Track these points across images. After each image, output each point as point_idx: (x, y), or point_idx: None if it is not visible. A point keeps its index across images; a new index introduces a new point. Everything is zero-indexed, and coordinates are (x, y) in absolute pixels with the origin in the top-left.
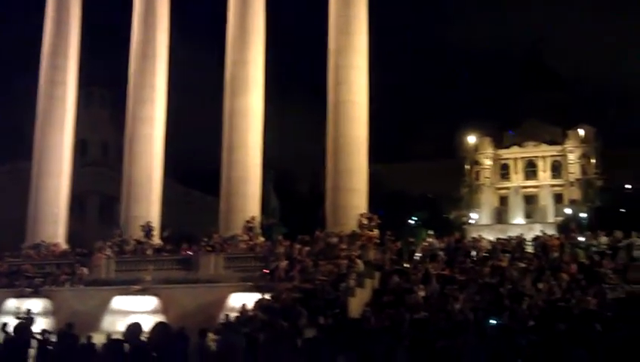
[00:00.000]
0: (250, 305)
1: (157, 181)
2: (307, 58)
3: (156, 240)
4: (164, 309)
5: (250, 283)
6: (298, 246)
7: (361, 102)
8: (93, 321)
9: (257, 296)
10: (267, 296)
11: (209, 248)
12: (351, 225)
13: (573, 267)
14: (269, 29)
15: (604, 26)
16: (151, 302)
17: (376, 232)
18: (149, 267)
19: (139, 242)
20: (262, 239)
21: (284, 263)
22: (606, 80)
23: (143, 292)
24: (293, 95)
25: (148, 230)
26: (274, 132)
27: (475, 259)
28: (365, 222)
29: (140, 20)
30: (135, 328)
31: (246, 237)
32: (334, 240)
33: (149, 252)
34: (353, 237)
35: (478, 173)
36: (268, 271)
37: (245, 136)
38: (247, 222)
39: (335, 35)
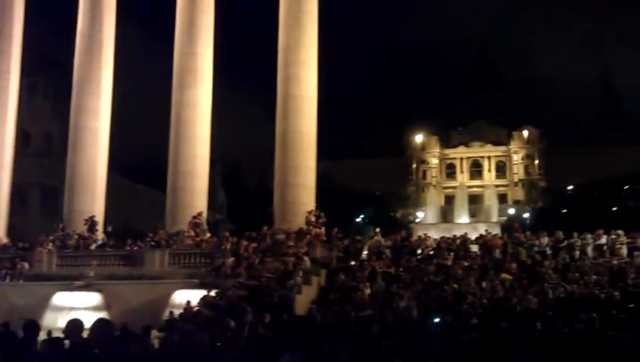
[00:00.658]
0: (195, 302)
1: (101, 174)
2: (257, 52)
3: (100, 234)
4: (107, 305)
5: (195, 280)
6: (245, 242)
7: (310, 97)
8: (34, 317)
9: (203, 292)
10: (212, 293)
11: (154, 244)
12: (299, 222)
13: (514, 266)
14: (219, 22)
15: (552, 27)
16: (94, 298)
17: (323, 230)
18: (92, 262)
19: (82, 237)
20: (208, 235)
21: (230, 260)
22: (551, 81)
23: (86, 288)
24: (243, 89)
25: (91, 224)
26: (223, 126)
27: (420, 257)
28: (313, 219)
29: (85, 10)
30: (76, 325)
31: (192, 233)
32: (281, 237)
33: (93, 247)
34: (300, 234)
35: (424, 171)
36: (214, 268)
37: (193, 129)
38: (194, 217)
39: (285, 31)
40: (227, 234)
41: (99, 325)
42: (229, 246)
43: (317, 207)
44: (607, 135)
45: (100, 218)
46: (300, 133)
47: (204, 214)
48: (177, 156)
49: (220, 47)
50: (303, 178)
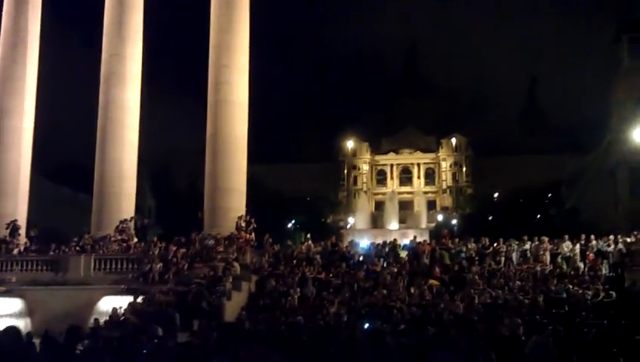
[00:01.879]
0: (121, 309)
1: (25, 176)
2: (188, 55)
3: (22, 239)
4: (29, 312)
5: (122, 286)
6: (173, 248)
7: (241, 101)
8: None
9: (129, 299)
10: (140, 300)
11: (79, 249)
12: (229, 227)
13: (437, 271)
14: (149, 23)
15: (483, 37)
16: (15, 304)
17: (254, 235)
18: (14, 267)
19: (3, 241)
20: (136, 240)
21: (158, 265)
22: (480, 89)
23: (7, 293)
24: (174, 92)
25: (13, 228)
26: (152, 129)
27: (350, 263)
28: (243, 224)
29: (10, 7)
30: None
31: (119, 238)
32: (211, 242)
33: (15, 252)
34: (230, 239)
35: (355, 177)
36: (141, 274)
37: (121, 131)
38: (121, 222)
39: (216, 34)
40: (155, 239)
41: (8, 332)
42: (157, 252)
43: (248, 212)
44: (531, 143)
45: (23, 222)
46: (230, 137)
47: (132, 218)
48: (104, 159)
49: (150, 48)
50: (233, 182)
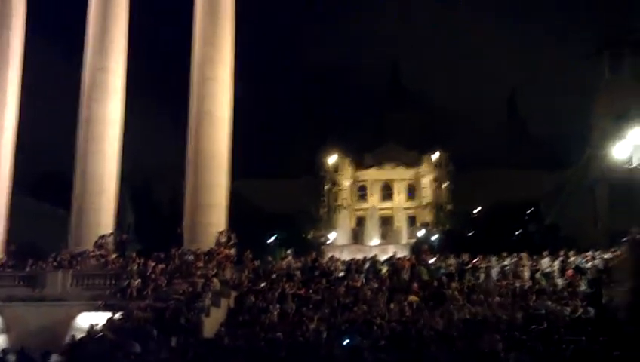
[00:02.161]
0: (99, 325)
1: (3, 191)
2: (171, 68)
3: (0, 254)
4: (6, 328)
5: (100, 302)
6: (152, 263)
7: (223, 116)
8: None
9: (107, 315)
10: (118, 316)
11: (56, 264)
12: (209, 242)
13: (415, 286)
14: (132, 36)
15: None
16: None
17: (234, 251)
18: None
19: None
20: (114, 256)
21: (136, 281)
22: (462, 104)
23: None
24: (156, 105)
25: None
26: (134, 143)
27: (330, 279)
28: (223, 239)
29: None
30: None
31: (97, 254)
32: (190, 258)
33: None
34: (210, 255)
35: (337, 193)
36: (119, 290)
37: (102, 145)
38: (100, 237)
39: (200, 46)
40: (134, 254)
41: None
42: (135, 268)
43: (228, 227)
44: (512, 158)
45: (1, 237)
46: (212, 152)
47: (111, 234)
48: (84, 173)
49: (133, 61)
50: (214, 198)
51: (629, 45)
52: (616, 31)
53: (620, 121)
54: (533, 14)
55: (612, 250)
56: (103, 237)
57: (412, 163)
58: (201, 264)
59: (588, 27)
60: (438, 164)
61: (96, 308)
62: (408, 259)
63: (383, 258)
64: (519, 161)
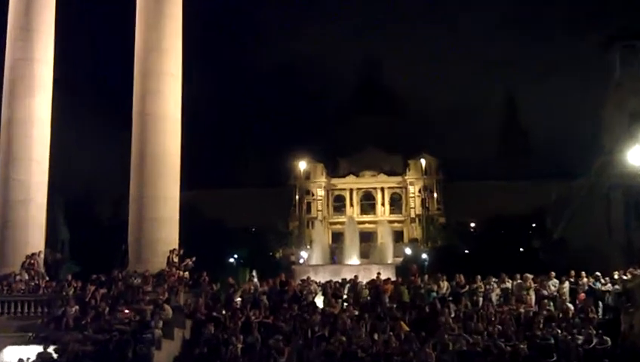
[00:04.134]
0: (29, 361)
1: None
2: (111, 59)
3: None
4: None
5: (29, 334)
6: (92, 288)
7: (174, 116)
8: None
9: (39, 349)
10: (51, 349)
11: None
12: (158, 263)
13: (404, 313)
14: (62, 22)
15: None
16: None
17: (187, 273)
18: None
19: None
20: (46, 279)
21: (73, 309)
22: (452, 106)
23: None
24: (94, 103)
25: None
26: (67, 147)
27: (303, 305)
28: (175, 259)
29: None
30: None
31: (26, 277)
32: (137, 281)
33: None
34: (160, 277)
35: (309, 204)
36: (53, 319)
37: (28, 150)
38: (28, 257)
39: (143, 36)
40: (70, 277)
41: None
42: (71, 293)
43: (181, 245)
44: (511, 166)
45: None
46: (160, 158)
47: (42, 253)
48: (7, 182)
49: (63, 52)
50: (163, 210)
51: None
52: (629, 22)
53: (633, 120)
54: (537, 6)
55: (630, 269)
56: (31, 256)
57: (395, 170)
58: (149, 288)
59: (599, 20)
60: (426, 171)
61: (26, 341)
62: (393, 282)
63: (365, 280)
64: (520, 170)
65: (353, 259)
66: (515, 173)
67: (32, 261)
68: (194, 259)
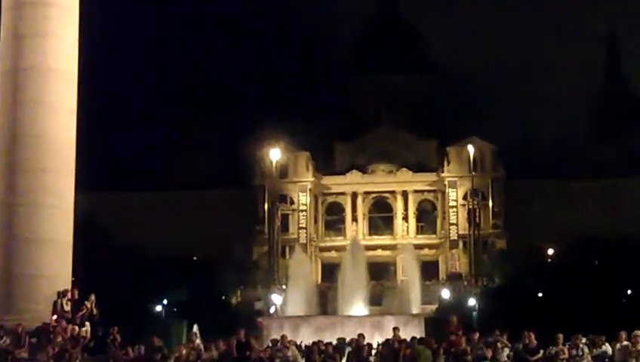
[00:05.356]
0: None
1: None
2: None
3: None
4: None
5: None
6: None
7: (67, 71)
8: None
9: None
10: None
11: None
12: (40, 311)
13: None
14: None
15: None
16: None
17: (88, 327)
18: None
19: None
20: None
21: None
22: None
23: None
24: None
25: None
26: None
27: None
28: (67, 307)
29: None
30: None
31: None
32: (5, 342)
33: None
34: (43, 336)
35: (286, 217)
36: None
37: None
38: None
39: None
40: None
41: None
42: None
43: (76, 283)
44: (609, 157)
45: None
46: (43, 144)
47: None
48: None
49: None
50: (47, 227)
51: None
52: None
53: None
54: None
55: None
56: None
57: (427, 162)
58: (24, 352)
59: None
60: (475, 165)
61: None
62: (422, 341)
63: (376, 340)
64: (614, 164)
65: (357, 306)
66: (617, 164)
67: None
68: (93, 300)
